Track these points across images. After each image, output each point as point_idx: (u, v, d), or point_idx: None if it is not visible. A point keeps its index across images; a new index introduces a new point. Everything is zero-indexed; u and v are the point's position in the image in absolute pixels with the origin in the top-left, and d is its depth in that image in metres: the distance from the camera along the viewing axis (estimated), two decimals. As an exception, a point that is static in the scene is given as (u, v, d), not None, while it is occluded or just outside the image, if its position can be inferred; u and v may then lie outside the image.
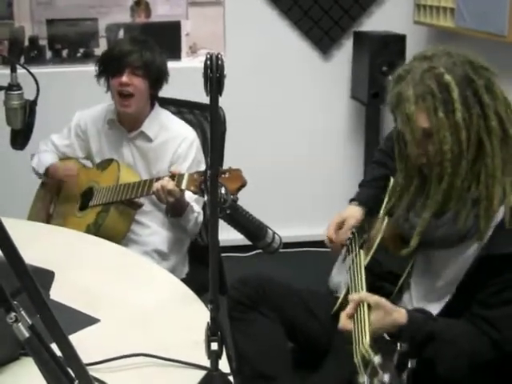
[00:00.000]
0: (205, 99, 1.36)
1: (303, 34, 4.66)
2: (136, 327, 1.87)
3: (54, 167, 3.03)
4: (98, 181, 2.93)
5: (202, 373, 1.56)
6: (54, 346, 1.04)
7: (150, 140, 2.92)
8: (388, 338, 1.69)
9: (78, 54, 4.85)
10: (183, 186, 2.48)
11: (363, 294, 1.88)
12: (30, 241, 2.10)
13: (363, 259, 2.17)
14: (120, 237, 2.81)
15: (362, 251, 2.22)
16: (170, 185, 2.51)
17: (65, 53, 4.85)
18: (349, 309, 1.85)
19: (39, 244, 2.37)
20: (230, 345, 1.54)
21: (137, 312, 1.95)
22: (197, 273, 3.02)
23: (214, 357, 1.49)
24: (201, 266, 2.99)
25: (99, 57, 2.99)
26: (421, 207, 1.98)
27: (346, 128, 4.85)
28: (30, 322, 1.02)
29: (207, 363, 1.51)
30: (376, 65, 4.24)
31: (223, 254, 3.33)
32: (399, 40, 4.30)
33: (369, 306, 1.81)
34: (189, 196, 2.67)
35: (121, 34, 4.79)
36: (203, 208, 2.86)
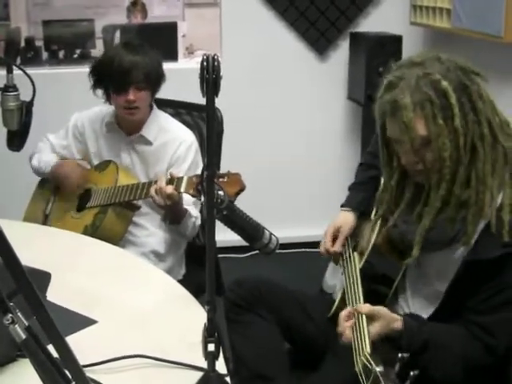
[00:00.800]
0: (202, 100, 1.36)
1: (300, 35, 4.66)
2: (133, 328, 1.87)
3: (59, 165, 3.01)
4: (96, 182, 2.93)
5: (199, 374, 1.56)
6: (50, 348, 1.04)
7: (149, 143, 2.92)
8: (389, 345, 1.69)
9: (75, 55, 4.85)
10: (182, 189, 2.48)
11: (359, 307, 1.87)
12: (26, 242, 2.10)
13: (358, 262, 2.17)
14: (117, 238, 2.81)
15: (355, 254, 2.22)
16: (169, 188, 2.51)
17: (61, 54, 4.85)
18: (348, 320, 1.84)
19: (36, 245, 2.36)
20: (227, 346, 1.54)
21: (134, 313, 1.95)
22: (194, 274, 3.02)
23: (211, 358, 1.49)
24: (198, 267, 2.98)
25: (93, 67, 2.92)
26: (416, 216, 1.97)
27: (342, 129, 4.86)
28: (27, 324, 1.02)
29: (204, 364, 1.51)
30: (372, 66, 4.24)
31: (220, 255, 3.33)
32: (396, 41, 4.30)
33: (367, 316, 1.81)
34: (186, 199, 2.67)
35: (117, 35, 4.78)
36: (200, 210, 2.86)
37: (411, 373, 1.49)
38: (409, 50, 4.18)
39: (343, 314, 1.87)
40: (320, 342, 2.19)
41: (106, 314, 1.93)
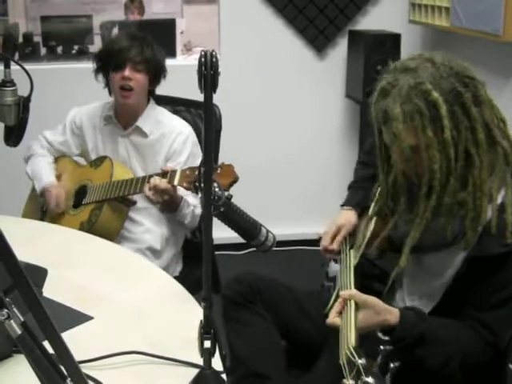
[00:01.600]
0: (200, 97, 1.36)
1: (298, 33, 4.65)
2: (129, 325, 1.87)
3: (48, 191, 2.98)
4: (92, 178, 2.93)
5: (195, 371, 1.56)
6: (46, 344, 1.04)
7: (145, 135, 2.92)
8: (382, 337, 1.70)
9: (73, 51, 4.84)
10: (175, 183, 2.48)
11: (353, 291, 1.88)
12: (23, 238, 2.09)
13: (353, 259, 2.17)
14: (113, 234, 2.81)
15: (352, 251, 2.23)
16: (163, 184, 2.51)
17: (59, 49, 4.84)
18: (337, 305, 1.85)
19: (32, 241, 2.36)
20: (224, 343, 1.53)
21: (130, 310, 1.95)
22: (190, 271, 3.02)
23: (207, 355, 1.49)
24: (195, 263, 2.99)
25: (97, 52, 2.99)
26: (408, 222, 1.97)
27: (340, 126, 4.85)
28: (23, 319, 1.01)
29: (200, 361, 1.51)
30: (371, 64, 4.24)
31: (217, 252, 3.33)
32: (394, 39, 4.30)
33: (356, 305, 1.81)
34: (184, 189, 2.66)
35: (115, 31, 4.78)
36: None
37: (391, 364, 1.50)
38: (407, 49, 4.19)
39: (341, 292, 1.87)
40: (317, 339, 2.19)
41: (102, 310, 1.92)
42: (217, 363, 1.55)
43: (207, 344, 1.47)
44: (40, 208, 3.06)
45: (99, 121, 3.00)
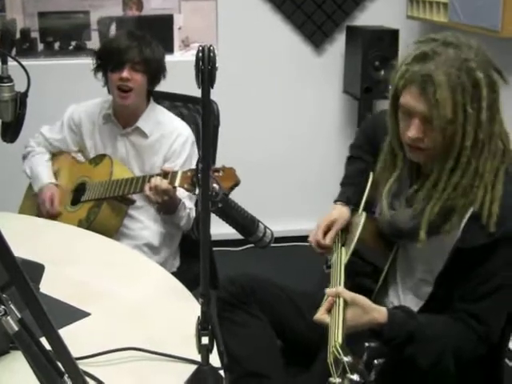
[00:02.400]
0: (198, 93, 1.35)
1: (296, 28, 4.65)
2: (127, 321, 1.87)
3: (43, 193, 2.98)
4: (91, 176, 2.92)
5: (193, 367, 1.56)
6: (43, 340, 1.04)
7: (145, 136, 2.92)
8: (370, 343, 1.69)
9: (70, 47, 4.83)
10: (177, 184, 2.47)
11: (340, 288, 1.87)
12: (20, 234, 2.09)
13: (344, 257, 2.16)
14: (112, 232, 2.81)
15: (343, 248, 2.22)
16: (164, 184, 2.51)
17: (57, 45, 4.83)
18: (326, 303, 1.85)
19: (30, 237, 2.36)
20: (221, 339, 1.53)
21: (127, 306, 1.94)
22: (188, 267, 3.02)
23: (205, 351, 1.48)
24: (192, 260, 2.98)
25: (96, 50, 2.98)
26: (406, 201, 1.97)
27: (338, 122, 4.85)
28: (20, 316, 1.01)
29: (198, 357, 1.51)
30: (369, 59, 4.24)
31: (215, 249, 3.33)
32: (392, 35, 4.29)
33: (345, 302, 1.81)
34: (181, 191, 2.66)
35: (113, 27, 4.77)
36: (196, 203, 2.85)
37: (375, 361, 1.50)
38: (405, 45, 4.17)
39: (328, 290, 1.87)
40: (313, 338, 2.18)
41: (99, 306, 1.92)
42: (215, 359, 1.54)
43: (205, 340, 1.47)
44: (37, 204, 3.05)
45: (98, 118, 2.99)
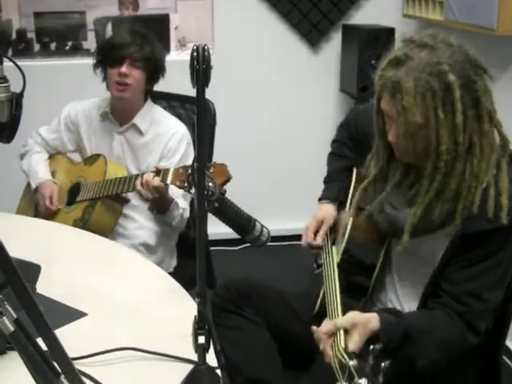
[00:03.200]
0: (194, 93, 1.35)
1: (292, 27, 4.65)
2: (123, 321, 1.87)
3: (42, 189, 2.99)
4: (86, 176, 2.92)
5: (190, 366, 1.56)
6: (39, 341, 1.04)
7: (141, 133, 2.92)
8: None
9: (66, 47, 4.83)
10: (168, 181, 2.47)
11: (335, 322, 1.78)
12: (16, 234, 2.09)
13: (335, 257, 2.15)
14: (107, 231, 2.80)
15: (334, 248, 2.21)
16: (155, 181, 2.50)
17: (53, 46, 4.83)
18: (327, 342, 1.75)
19: (26, 237, 2.36)
20: (218, 339, 1.53)
21: (124, 306, 1.94)
22: (185, 266, 3.02)
23: (202, 350, 1.48)
24: (189, 259, 2.98)
25: (98, 46, 2.99)
26: (406, 201, 1.97)
27: (334, 121, 4.82)
28: (16, 316, 1.01)
29: (195, 357, 1.51)
30: (365, 58, 4.24)
31: (212, 248, 3.33)
32: (388, 33, 4.29)
33: (345, 330, 1.74)
34: (175, 191, 2.66)
35: (109, 27, 4.77)
36: (191, 203, 2.85)
37: (382, 364, 1.49)
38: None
39: (324, 329, 1.77)
40: (309, 341, 2.18)
41: (95, 306, 1.92)
42: (211, 359, 1.54)
43: (201, 339, 1.47)
44: (34, 205, 3.05)
45: (95, 117, 2.99)
